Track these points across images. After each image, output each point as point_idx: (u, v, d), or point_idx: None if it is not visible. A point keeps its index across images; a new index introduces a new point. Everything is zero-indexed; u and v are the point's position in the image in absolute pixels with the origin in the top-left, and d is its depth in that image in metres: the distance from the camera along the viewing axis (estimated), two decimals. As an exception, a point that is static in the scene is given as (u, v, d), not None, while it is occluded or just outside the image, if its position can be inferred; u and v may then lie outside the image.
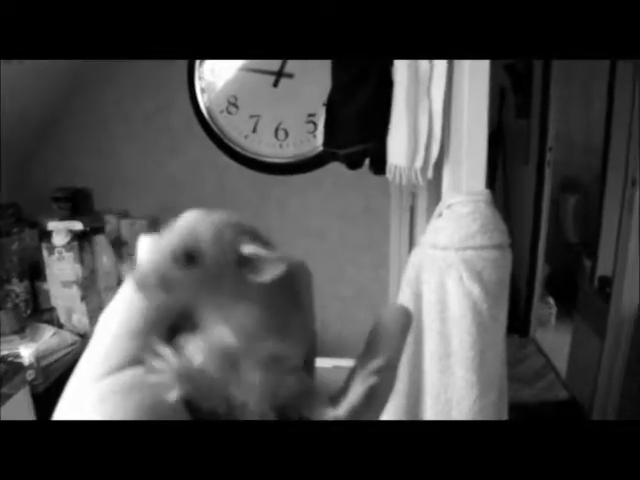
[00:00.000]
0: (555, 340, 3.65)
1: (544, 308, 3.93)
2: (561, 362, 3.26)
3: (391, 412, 1.24)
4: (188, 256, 0.29)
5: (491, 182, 3.89)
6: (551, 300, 3.96)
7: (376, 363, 0.34)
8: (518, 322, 3.81)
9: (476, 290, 1.08)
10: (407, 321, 0.37)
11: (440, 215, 1.18)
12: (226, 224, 0.31)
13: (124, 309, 0.31)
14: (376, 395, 0.34)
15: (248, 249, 0.30)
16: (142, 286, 0.29)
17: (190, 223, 0.30)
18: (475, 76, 1.12)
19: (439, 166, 1.23)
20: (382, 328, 0.36)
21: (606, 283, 2.67)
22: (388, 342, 0.36)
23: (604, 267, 2.79)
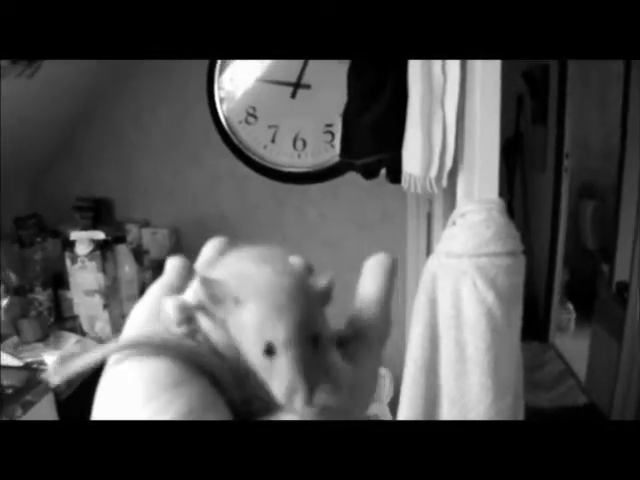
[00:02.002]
0: (575, 345, 3.63)
1: (563, 314, 3.91)
2: (581, 367, 3.24)
3: (410, 416, 1.25)
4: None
5: (509, 188, 3.90)
6: (570, 306, 3.94)
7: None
8: (537, 328, 3.79)
9: (490, 296, 1.10)
10: (389, 262, 0.41)
11: (454, 223, 1.20)
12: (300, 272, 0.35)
13: (148, 305, 0.38)
14: (367, 334, 0.38)
15: (323, 285, 0.35)
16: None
17: (291, 285, 0.33)
18: (487, 87, 1.14)
19: (454, 174, 1.25)
20: (367, 272, 0.40)
21: (624, 288, 2.66)
22: (374, 283, 0.40)
23: (622, 272, 2.79)
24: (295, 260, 0.38)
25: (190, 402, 0.31)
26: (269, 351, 0.31)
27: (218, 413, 0.32)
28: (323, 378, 0.33)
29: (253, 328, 0.32)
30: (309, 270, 0.37)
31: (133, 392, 0.31)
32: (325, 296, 0.35)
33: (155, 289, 0.39)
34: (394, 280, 0.40)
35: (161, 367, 0.32)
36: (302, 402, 0.30)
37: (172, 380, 0.32)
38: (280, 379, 0.31)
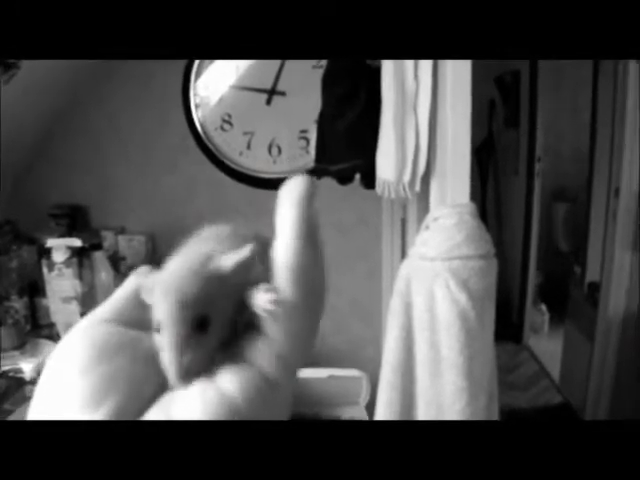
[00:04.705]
0: (548, 346, 3.68)
1: (537, 315, 3.96)
2: (555, 368, 3.29)
3: (387, 418, 1.27)
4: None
5: (482, 191, 3.94)
6: (544, 307, 3.99)
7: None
8: (512, 329, 3.84)
9: (463, 298, 1.12)
10: (303, 188, 0.35)
11: (427, 227, 1.22)
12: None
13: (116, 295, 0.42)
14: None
15: (224, 267, 0.36)
16: None
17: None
18: (458, 93, 1.16)
19: (427, 180, 1.27)
20: (279, 202, 0.35)
21: (595, 289, 2.71)
22: (285, 214, 0.34)
23: (593, 273, 2.83)
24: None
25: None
26: (157, 329, 0.34)
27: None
28: (223, 360, 0.34)
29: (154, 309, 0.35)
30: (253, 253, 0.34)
31: (74, 356, 0.35)
32: (228, 278, 0.35)
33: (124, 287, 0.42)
34: (308, 203, 0.34)
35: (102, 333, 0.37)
36: (175, 378, 0.33)
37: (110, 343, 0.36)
38: (163, 355, 0.34)
